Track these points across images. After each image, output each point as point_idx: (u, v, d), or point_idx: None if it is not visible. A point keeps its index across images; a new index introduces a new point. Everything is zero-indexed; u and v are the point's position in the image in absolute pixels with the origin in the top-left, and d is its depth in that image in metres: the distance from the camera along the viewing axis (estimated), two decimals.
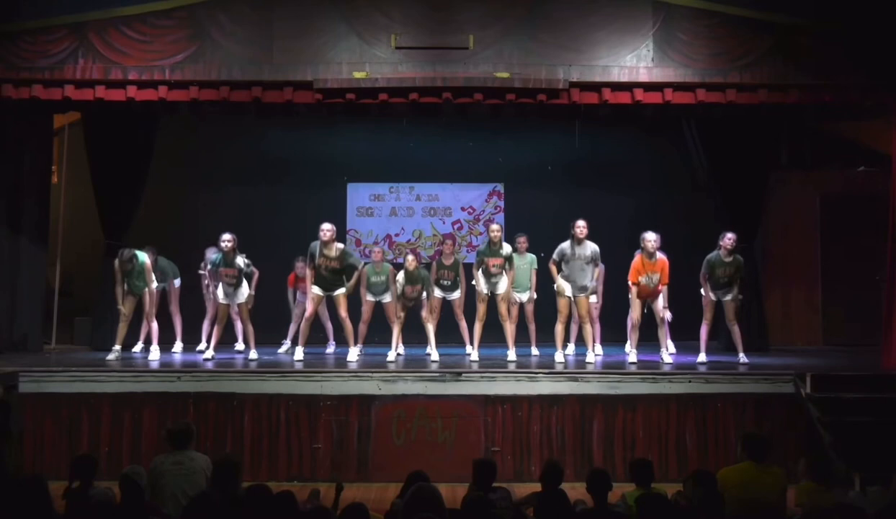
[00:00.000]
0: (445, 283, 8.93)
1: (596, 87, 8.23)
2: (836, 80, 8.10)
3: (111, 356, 8.32)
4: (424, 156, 11.05)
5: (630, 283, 8.31)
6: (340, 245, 8.36)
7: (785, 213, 10.95)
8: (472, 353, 8.40)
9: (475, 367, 7.95)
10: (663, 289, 8.41)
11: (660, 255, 8.33)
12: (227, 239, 8.40)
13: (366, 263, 9.13)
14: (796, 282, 10.95)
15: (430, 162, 11.07)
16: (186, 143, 10.72)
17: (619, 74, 8.18)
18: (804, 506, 4.75)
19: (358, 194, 11.20)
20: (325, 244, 8.22)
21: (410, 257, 8.63)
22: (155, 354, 8.65)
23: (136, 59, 8.14)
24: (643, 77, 8.17)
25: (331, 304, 8.75)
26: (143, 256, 8.53)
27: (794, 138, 11.01)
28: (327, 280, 8.31)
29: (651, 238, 8.20)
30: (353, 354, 8.37)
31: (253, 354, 8.46)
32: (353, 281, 8.35)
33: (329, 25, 8.21)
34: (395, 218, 11.16)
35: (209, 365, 8.13)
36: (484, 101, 8.29)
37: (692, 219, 9.42)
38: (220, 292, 8.51)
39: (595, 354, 8.58)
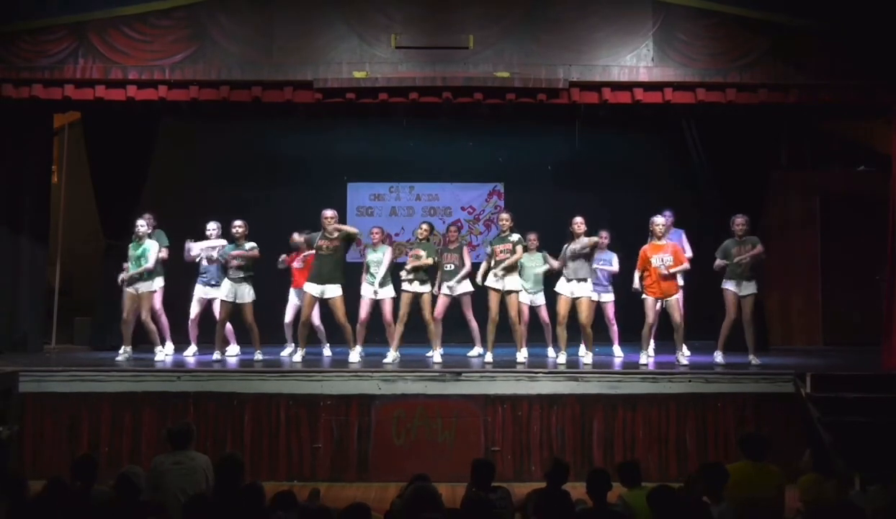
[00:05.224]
0: (449, 267, 8.71)
1: (596, 86, 8.24)
2: (836, 80, 8.10)
3: (120, 357, 8.29)
4: (424, 156, 11.05)
5: (637, 277, 8.27)
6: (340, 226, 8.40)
7: (785, 213, 10.96)
8: (486, 355, 8.21)
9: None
10: (678, 294, 8.31)
11: (671, 241, 8.32)
12: (238, 225, 8.49)
13: (366, 246, 9.04)
14: (796, 282, 10.95)
15: (430, 162, 11.07)
16: (186, 143, 10.72)
17: (619, 74, 8.18)
18: (807, 501, 4.76)
19: (358, 194, 11.21)
20: (327, 230, 8.22)
21: (424, 226, 8.63)
22: (169, 349, 8.82)
23: (136, 59, 8.15)
24: (643, 77, 8.18)
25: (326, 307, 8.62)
26: (155, 246, 8.50)
27: (794, 138, 11.03)
28: (323, 266, 8.19)
29: (659, 222, 8.17)
30: (355, 356, 8.32)
31: (258, 356, 8.45)
32: (351, 230, 8.38)
33: (329, 25, 8.22)
34: (395, 218, 11.16)
35: (220, 366, 8.15)
36: (484, 100, 8.29)
37: (692, 219, 9.43)
38: (224, 288, 8.47)
39: (614, 356, 8.66)
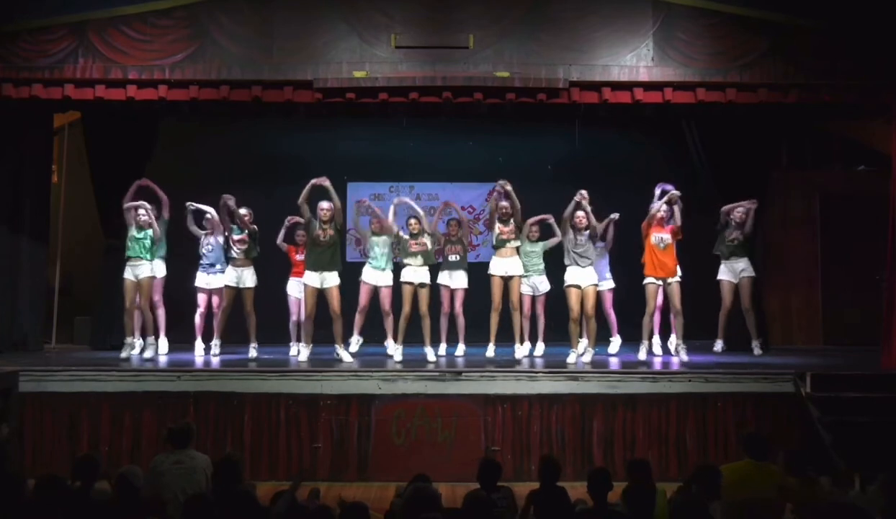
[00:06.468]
0: (453, 258, 8.75)
1: (596, 86, 8.24)
2: (836, 80, 8.11)
3: (124, 353, 8.26)
4: (424, 155, 11.05)
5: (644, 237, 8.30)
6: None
7: (785, 213, 10.97)
8: (489, 348, 8.28)
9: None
10: (679, 276, 8.29)
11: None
12: (244, 213, 8.63)
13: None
14: (796, 282, 10.95)
15: (430, 161, 11.07)
16: (186, 143, 10.72)
17: (618, 74, 8.19)
18: (794, 502, 4.76)
19: (358, 194, 11.17)
20: (324, 223, 8.29)
21: (413, 220, 8.63)
22: (164, 346, 8.79)
23: (136, 59, 8.15)
24: (643, 76, 8.18)
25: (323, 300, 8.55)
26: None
27: (794, 138, 11.02)
28: (321, 257, 8.25)
29: (657, 207, 8.24)
30: (346, 355, 8.26)
31: (252, 352, 8.47)
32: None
33: (329, 25, 8.22)
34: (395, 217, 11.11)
35: (214, 362, 8.16)
36: (484, 100, 8.30)
37: (693, 219, 9.42)
38: (228, 273, 8.52)
39: (608, 351, 8.76)
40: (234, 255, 8.54)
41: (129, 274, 8.42)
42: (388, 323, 8.62)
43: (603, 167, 10.78)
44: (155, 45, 8.16)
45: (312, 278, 8.28)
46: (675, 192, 8.40)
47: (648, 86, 8.21)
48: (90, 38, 8.13)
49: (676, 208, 8.43)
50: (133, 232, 8.42)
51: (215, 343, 8.50)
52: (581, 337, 8.51)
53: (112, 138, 9.73)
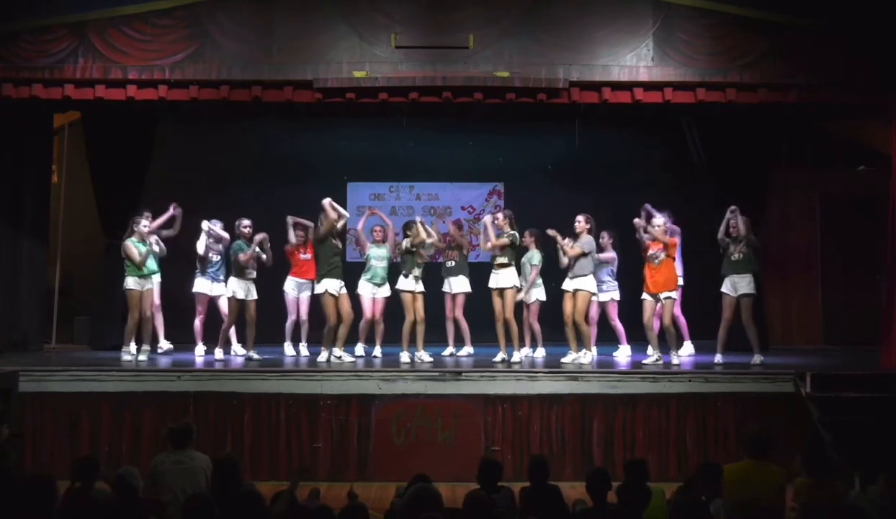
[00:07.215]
0: (450, 264, 8.85)
1: (596, 86, 8.25)
2: (836, 80, 8.11)
3: (127, 357, 8.26)
4: (424, 155, 11.06)
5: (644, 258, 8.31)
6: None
7: (785, 213, 10.96)
8: (498, 355, 8.30)
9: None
10: (675, 293, 8.29)
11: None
12: (246, 225, 8.67)
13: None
14: (796, 282, 10.95)
15: (429, 161, 11.08)
16: (186, 143, 10.71)
17: (618, 74, 8.19)
18: (801, 503, 4.76)
19: (358, 194, 11.21)
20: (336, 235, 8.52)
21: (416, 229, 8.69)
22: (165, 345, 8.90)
23: (136, 59, 8.15)
24: (643, 76, 8.18)
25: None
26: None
27: (794, 138, 11.02)
28: (341, 263, 8.59)
29: (657, 222, 8.21)
30: (345, 355, 8.35)
31: (255, 355, 8.49)
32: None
33: (329, 25, 8.22)
34: (395, 217, 11.07)
35: (214, 362, 8.18)
36: (484, 100, 8.30)
37: (693, 218, 9.42)
38: (237, 287, 8.52)
39: (619, 355, 8.79)
40: (249, 275, 8.58)
41: (137, 285, 8.31)
42: (379, 331, 8.76)
43: (603, 167, 10.79)
44: (155, 45, 8.16)
45: (333, 286, 8.40)
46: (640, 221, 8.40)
47: (648, 86, 8.21)
48: (90, 38, 8.12)
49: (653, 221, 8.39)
50: (142, 247, 8.34)
51: (220, 352, 8.48)
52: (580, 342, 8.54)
53: (112, 138, 9.73)
